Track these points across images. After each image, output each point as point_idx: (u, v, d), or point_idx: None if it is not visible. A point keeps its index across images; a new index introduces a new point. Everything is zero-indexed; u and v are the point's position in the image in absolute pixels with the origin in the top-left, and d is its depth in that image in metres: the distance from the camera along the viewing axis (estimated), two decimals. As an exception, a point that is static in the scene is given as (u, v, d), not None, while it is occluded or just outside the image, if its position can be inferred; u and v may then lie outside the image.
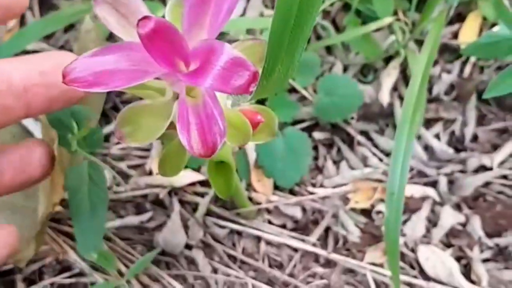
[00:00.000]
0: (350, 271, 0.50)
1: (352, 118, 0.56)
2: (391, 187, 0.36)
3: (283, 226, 0.52)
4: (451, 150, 0.54)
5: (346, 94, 0.53)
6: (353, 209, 0.53)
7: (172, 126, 0.26)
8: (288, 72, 0.25)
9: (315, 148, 0.56)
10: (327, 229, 0.52)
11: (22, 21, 0.61)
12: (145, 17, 0.20)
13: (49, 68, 0.30)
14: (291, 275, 0.50)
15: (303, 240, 0.51)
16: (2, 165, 0.32)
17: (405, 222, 0.53)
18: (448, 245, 0.52)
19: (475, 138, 0.56)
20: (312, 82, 0.55)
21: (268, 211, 0.53)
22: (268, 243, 0.52)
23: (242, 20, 0.54)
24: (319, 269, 0.50)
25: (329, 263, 0.51)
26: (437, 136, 0.56)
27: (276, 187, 0.54)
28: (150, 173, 0.54)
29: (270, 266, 0.51)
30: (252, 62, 0.21)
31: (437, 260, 0.50)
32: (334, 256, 0.50)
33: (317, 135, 0.56)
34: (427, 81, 0.41)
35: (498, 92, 0.44)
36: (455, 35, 0.61)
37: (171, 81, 0.25)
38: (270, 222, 0.53)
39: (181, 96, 0.24)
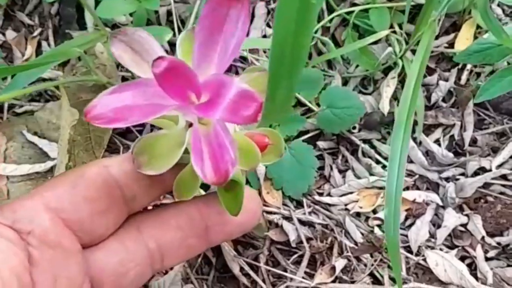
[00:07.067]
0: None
1: (355, 127, 0.58)
2: (390, 188, 0.38)
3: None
4: (451, 155, 0.57)
5: (347, 105, 0.56)
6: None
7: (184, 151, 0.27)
8: (289, 99, 0.26)
9: (321, 157, 0.59)
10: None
11: (38, 50, 0.64)
12: (159, 58, 0.22)
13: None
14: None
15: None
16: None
17: (409, 226, 0.55)
18: (451, 247, 0.54)
19: (474, 142, 0.59)
20: (316, 95, 0.58)
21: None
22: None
23: (246, 40, 0.57)
24: None
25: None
26: (438, 142, 0.59)
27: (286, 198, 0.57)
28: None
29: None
30: (258, 92, 0.23)
31: (446, 264, 0.52)
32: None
33: (322, 144, 0.59)
34: (420, 82, 0.43)
35: (489, 95, 0.47)
36: (452, 45, 0.63)
37: (184, 112, 0.26)
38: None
39: (194, 126, 0.26)
